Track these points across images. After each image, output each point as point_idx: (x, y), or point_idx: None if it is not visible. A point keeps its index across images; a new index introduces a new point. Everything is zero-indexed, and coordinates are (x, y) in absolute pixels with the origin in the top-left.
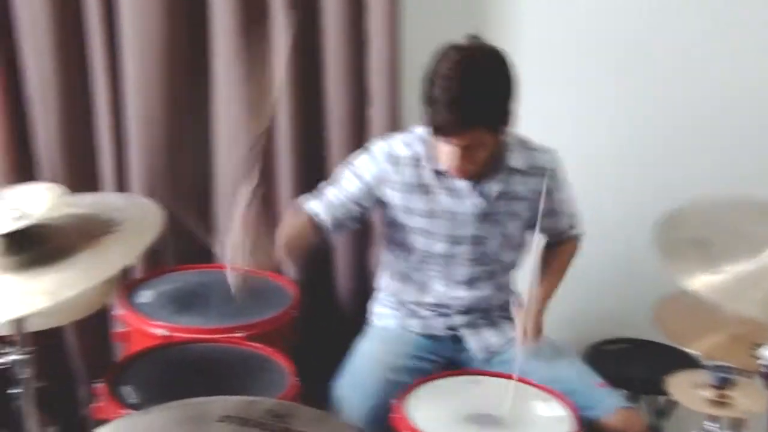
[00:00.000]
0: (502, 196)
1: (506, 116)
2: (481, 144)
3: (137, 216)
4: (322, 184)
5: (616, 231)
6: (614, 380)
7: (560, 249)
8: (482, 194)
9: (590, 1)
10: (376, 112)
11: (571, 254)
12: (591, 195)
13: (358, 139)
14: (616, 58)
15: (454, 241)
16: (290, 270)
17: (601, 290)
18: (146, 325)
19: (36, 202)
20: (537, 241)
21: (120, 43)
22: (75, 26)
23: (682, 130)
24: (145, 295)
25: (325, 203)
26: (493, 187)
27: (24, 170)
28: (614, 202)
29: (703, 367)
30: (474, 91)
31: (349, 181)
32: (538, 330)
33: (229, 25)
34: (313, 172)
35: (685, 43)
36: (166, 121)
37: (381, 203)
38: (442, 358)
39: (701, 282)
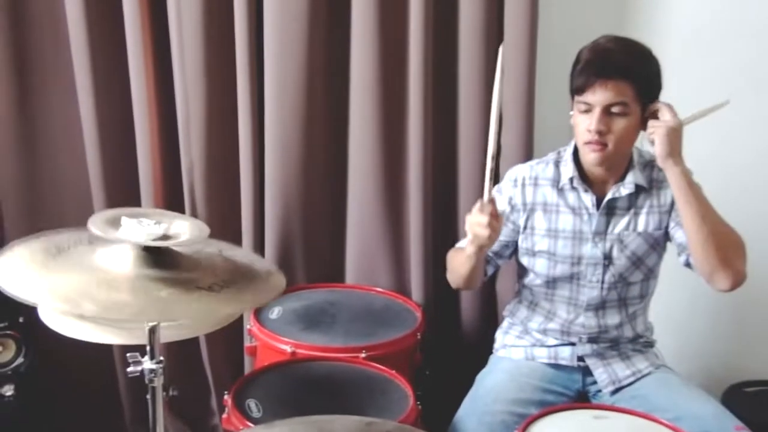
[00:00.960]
0: (625, 211)
1: (651, 84)
2: (623, 107)
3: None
4: None
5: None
6: (755, 427)
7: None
8: (604, 209)
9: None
10: (510, 135)
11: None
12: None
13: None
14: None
15: (578, 261)
16: (418, 294)
17: (744, 325)
18: (273, 340)
19: (181, 230)
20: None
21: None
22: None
23: None
24: (275, 311)
25: None
26: (617, 203)
27: (173, 201)
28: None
29: None
30: (622, 46)
31: None
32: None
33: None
34: (443, 196)
35: None
36: (303, 145)
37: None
38: (570, 391)
39: None
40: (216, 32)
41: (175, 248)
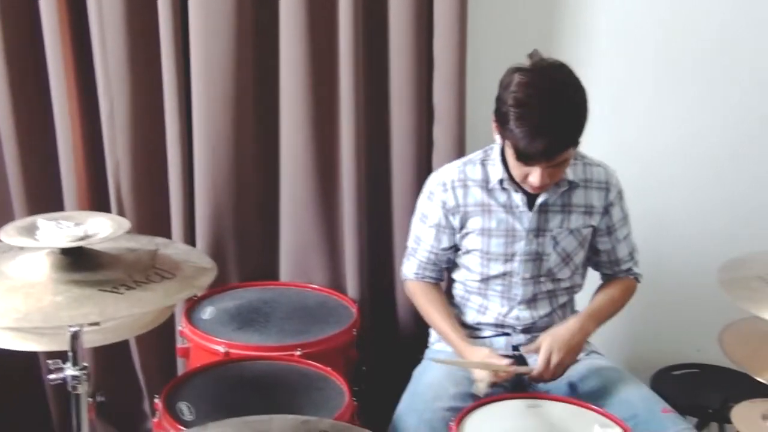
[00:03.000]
0: (558, 209)
1: (583, 129)
2: (567, 159)
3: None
4: (410, 243)
5: (686, 254)
6: (682, 407)
7: (617, 283)
8: (537, 208)
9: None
10: (442, 129)
11: (626, 294)
12: (662, 214)
13: (424, 157)
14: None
15: (511, 259)
16: (353, 291)
17: (669, 315)
18: (206, 341)
19: (101, 229)
20: None
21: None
22: (152, 76)
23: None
24: (207, 311)
25: (421, 266)
26: (547, 198)
27: (99, 202)
28: (686, 224)
29: None
30: (560, 115)
31: (427, 233)
32: (561, 366)
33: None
34: (377, 191)
35: None
36: (233, 142)
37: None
38: (506, 381)
39: None
40: (139, 25)
41: (96, 248)
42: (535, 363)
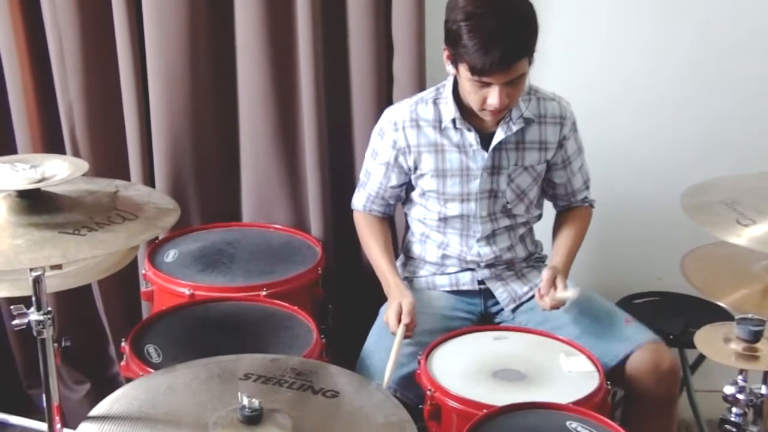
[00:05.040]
0: (513, 147)
1: (536, 40)
2: (524, 75)
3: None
4: (361, 175)
5: (647, 186)
6: None
7: (575, 215)
8: (492, 146)
9: None
10: (401, 63)
11: (585, 223)
12: (625, 148)
13: (384, 92)
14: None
15: (467, 198)
16: (317, 229)
17: (631, 245)
18: (170, 283)
19: (59, 171)
20: None
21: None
22: (103, 19)
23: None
24: (170, 255)
25: (370, 199)
26: (503, 138)
27: (54, 145)
28: (648, 157)
29: (732, 320)
30: (512, 22)
31: (377, 169)
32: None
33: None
34: (337, 127)
35: None
36: (188, 79)
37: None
38: (473, 315)
39: (738, 233)
40: None
41: (54, 191)
42: (501, 295)
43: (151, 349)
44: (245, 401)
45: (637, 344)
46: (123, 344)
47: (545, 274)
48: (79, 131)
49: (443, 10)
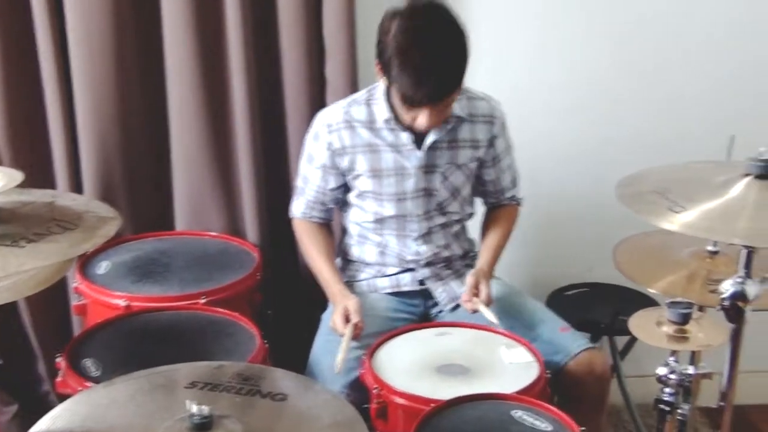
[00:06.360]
0: (446, 146)
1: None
2: (454, 99)
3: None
4: (298, 182)
5: (577, 183)
6: (575, 324)
7: (502, 213)
8: (426, 146)
9: None
10: (334, 66)
11: (513, 221)
12: (555, 147)
13: (318, 95)
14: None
15: (403, 197)
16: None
17: (563, 239)
18: (104, 295)
19: None
20: None
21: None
22: (22, 20)
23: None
24: (102, 266)
25: (309, 205)
26: (436, 137)
27: None
28: (576, 155)
29: (663, 305)
30: (443, 58)
31: (314, 173)
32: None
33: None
34: (271, 130)
35: None
36: (115, 83)
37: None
38: (414, 315)
39: (671, 220)
40: None
41: None
42: (440, 296)
43: (89, 362)
44: (194, 409)
45: (573, 353)
46: (58, 359)
47: (469, 280)
48: (1, 140)
49: (375, 11)
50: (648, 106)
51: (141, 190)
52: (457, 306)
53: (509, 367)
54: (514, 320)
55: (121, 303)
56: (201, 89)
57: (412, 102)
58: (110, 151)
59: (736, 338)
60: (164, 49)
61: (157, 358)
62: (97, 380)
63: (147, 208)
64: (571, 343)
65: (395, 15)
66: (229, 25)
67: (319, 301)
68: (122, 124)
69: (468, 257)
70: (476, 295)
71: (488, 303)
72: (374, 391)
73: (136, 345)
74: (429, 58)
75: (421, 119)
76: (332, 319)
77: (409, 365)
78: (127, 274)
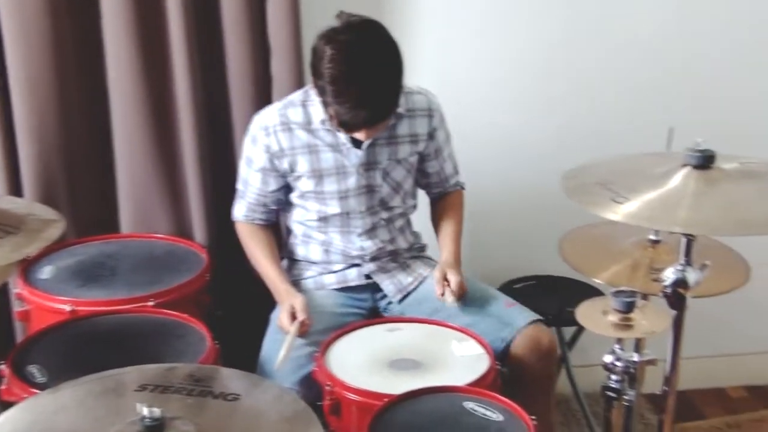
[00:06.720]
0: (385, 143)
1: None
2: (390, 120)
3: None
4: (238, 185)
5: (521, 177)
6: None
7: (451, 201)
8: (364, 144)
9: None
10: (279, 63)
11: (462, 206)
12: (498, 142)
13: (264, 93)
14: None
15: (345, 195)
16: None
17: (509, 233)
18: (48, 301)
19: None
20: None
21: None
22: None
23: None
24: (45, 271)
25: (250, 208)
26: (376, 136)
27: None
28: (520, 149)
29: (608, 294)
30: (378, 86)
31: (253, 176)
32: (462, 287)
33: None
34: (217, 129)
35: None
36: (54, 83)
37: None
38: (363, 309)
39: (614, 210)
40: None
41: None
42: (387, 288)
43: (34, 369)
44: (145, 411)
45: (519, 326)
46: (1, 367)
47: (435, 275)
48: None
49: (320, 6)
50: (589, 100)
51: (84, 192)
52: (404, 297)
53: (460, 360)
54: (463, 300)
55: (66, 308)
56: (144, 88)
57: (348, 128)
58: (51, 152)
59: (678, 325)
60: (104, 48)
61: (106, 363)
62: (42, 387)
63: (91, 211)
64: (517, 316)
65: (327, 41)
66: (171, 24)
67: (268, 301)
68: (62, 124)
69: (413, 249)
70: (448, 286)
71: (462, 290)
72: (327, 388)
73: (83, 350)
74: (365, 89)
75: (359, 136)
76: (279, 317)
77: (362, 361)
78: (72, 279)
